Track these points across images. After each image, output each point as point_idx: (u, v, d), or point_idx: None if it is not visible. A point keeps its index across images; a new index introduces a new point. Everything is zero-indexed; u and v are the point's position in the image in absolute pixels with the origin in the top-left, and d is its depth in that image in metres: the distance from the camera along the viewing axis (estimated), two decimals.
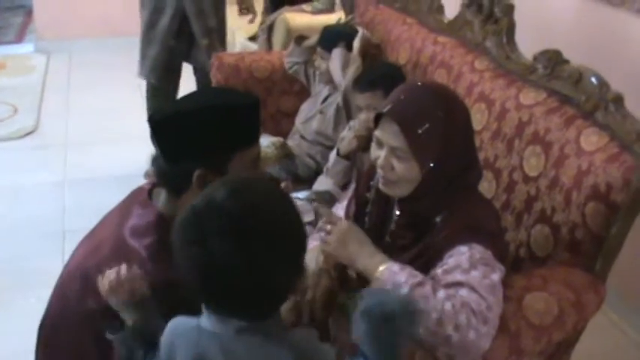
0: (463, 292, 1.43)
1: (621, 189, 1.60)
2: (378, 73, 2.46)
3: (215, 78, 3.09)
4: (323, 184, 2.54)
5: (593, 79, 1.79)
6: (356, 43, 2.73)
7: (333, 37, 2.78)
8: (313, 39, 2.91)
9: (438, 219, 1.58)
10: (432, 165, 1.53)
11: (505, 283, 1.52)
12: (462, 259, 1.48)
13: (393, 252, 1.58)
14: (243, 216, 1.12)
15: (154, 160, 1.49)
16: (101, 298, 1.35)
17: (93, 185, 3.74)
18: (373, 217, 1.77)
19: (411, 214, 1.63)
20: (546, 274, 1.64)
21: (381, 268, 1.50)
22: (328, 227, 1.60)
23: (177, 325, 1.25)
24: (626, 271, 1.95)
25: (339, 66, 2.69)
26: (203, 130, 1.40)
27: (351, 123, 2.49)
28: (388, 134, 1.56)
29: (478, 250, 1.49)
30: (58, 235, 3.28)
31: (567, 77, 1.88)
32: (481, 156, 2.08)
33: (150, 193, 1.54)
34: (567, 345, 1.68)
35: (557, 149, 1.81)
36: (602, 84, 1.77)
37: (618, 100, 1.73)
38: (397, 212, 1.67)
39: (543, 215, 1.82)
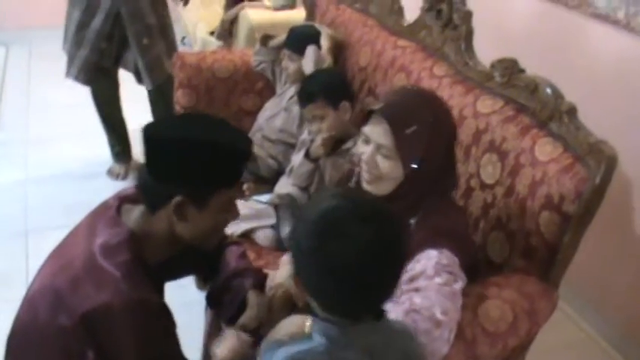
0: (417, 299, 1.48)
1: (573, 200, 1.65)
2: (315, 84, 2.49)
3: (177, 77, 3.08)
4: (284, 186, 2.57)
5: (548, 90, 1.83)
6: (324, 42, 2.76)
7: (301, 39, 2.80)
8: (279, 39, 2.92)
9: (412, 221, 1.64)
10: (414, 166, 1.58)
11: (462, 291, 1.57)
12: (429, 265, 1.52)
13: None
14: (376, 203, 1.22)
15: (140, 170, 1.49)
16: (73, 314, 1.36)
17: (56, 183, 3.73)
18: None
19: None
20: (501, 282, 1.69)
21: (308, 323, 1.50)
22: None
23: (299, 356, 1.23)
24: (582, 267, 2.01)
25: (312, 64, 2.71)
26: (195, 162, 1.41)
27: (311, 128, 2.51)
28: (377, 132, 1.62)
29: (446, 256, 1.54)
30: (21, 234, 3.26)
31: (524, 87, 1.92)
32: None
33: (118, 209, 1.55)
34: (521, 349, 1.74)
35: (513, 158, 1.85)
36: (557, 95, 1.81)
37: (572, 111, 1.77)
38: None
39: (499, 222, 1.87)
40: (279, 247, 2.36)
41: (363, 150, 1.66)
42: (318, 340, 1.21)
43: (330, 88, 2.45)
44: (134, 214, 1.51)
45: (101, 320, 1.36)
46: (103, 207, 1.57)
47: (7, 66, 5.28)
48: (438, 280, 1.50)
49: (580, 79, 2.72)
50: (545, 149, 1.78)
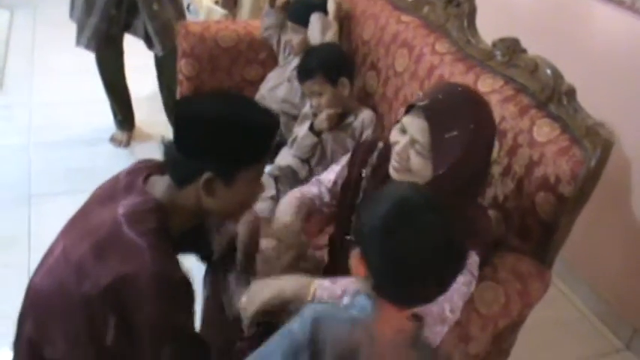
0: None
1: (569, 182, 1.68)
2: (313, 60, 2.48)
3: (181, 46, 3.09)
4: (285, 157, 2.59)
5: (548, 71, 1.85)
6: (330, 8, 2.77)
7: (305, 8, 2.80)
8: None
9: None
10: (445, 170, 1.55)
11: None
12: None
13: None
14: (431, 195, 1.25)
15: (167, 146, 1.49)
16: (98, 283, 1.38)
17: (58, 148, 3.74)
18: (367, 193, 1.82)
19: None
20: (496, 262, 1.72)
21: (312, 288, 1.53)
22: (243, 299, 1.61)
23: (325, 314, 1.28)
24: (577, 244, 2.04)
25: (319, 30, 2.71)
26: (224, 139, 1.42)
27: (312, 102, 2.52)
28: (415, 126, 1.58)
29: (472, 256, 1.55)
30: (24, 199, 3.29)
31: (524, 66, 1.93)
32: None
33: (145, 180, 1.54)
34: (513, 327, 1.77)
35: (511, 138, 1.87)
36: (557, 76, 1.83)
37: (571, 92, 1.79)
38: None
39: (495, 201, 1.90)
40: None
41: (397, 139, 1.64)
42: (352, 311, 1.26)
43: (329, 64, 2.45)
44: (160, 185, 1.52)
45: (126, 290, 1.37)
46: (124, 176, 1.57)
47: (11, 30, 5.24)
48: (460, 278, 1.49)
49: (584, 60, 2.72)
50: (543, 130, 1.80)
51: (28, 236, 3.02)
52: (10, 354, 1.62)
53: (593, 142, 1.64)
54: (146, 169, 1.57)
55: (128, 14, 3.45)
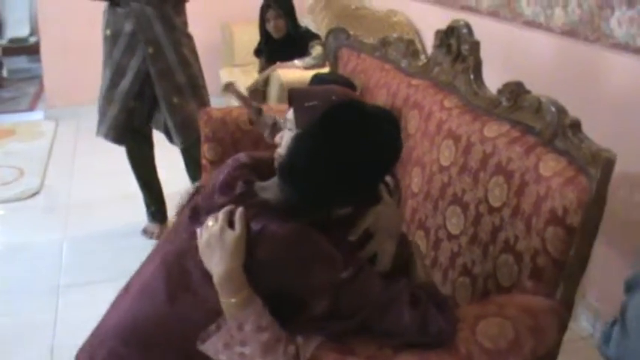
0: None
1: (576, 211, 1.60)
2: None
3: (203, 132, 3.13)
4: None
5: (552, 107, 1.80)
6: None
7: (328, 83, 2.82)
8: (271, 115, 2.82)
9: None
10: None
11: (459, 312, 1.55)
12: None
13: None
14: None
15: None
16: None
17: (91, 241, 3.78)
18: None
19: None
20: (503, 301, 1.63)
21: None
22: (210, 223, 1.49)
23: None
24: None
25: None
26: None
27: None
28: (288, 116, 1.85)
29: None
30: (53, 289, 3.30)
31: (528, 106, 1.89)
32: (450, 191, 2.09)
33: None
34: None
35: (518, 177, 1.80)
36: (561, 110, 1.78)
37: (575, 125, 1.73)
38: None
39: (507, 245, 1.81)
40: None
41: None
42: None
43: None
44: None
45: None
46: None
47: (55, 139, 5.47)
48: None
49: (603, 111, 2.66)
50: (549, 165, 1.73)
51: (54, 324, 3.01)
52: None
53: (596, 164, 1.56)
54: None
55: (151, 107, 3.54)
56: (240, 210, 1.46)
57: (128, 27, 3.43)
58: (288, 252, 1.41)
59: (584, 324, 2.90)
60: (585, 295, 2.86)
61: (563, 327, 1.61)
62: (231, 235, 1.42)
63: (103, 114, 3.56)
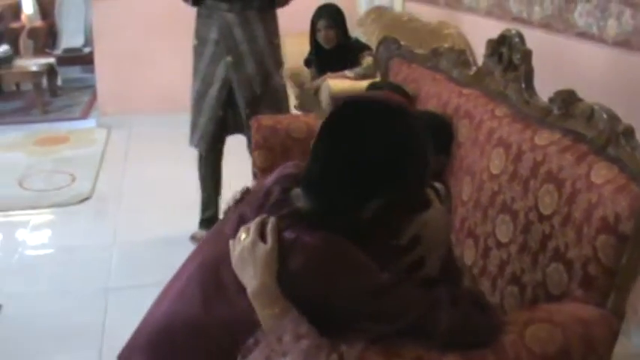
0: None
1: (628, 218, 1.57)
2: None
3: (254, 139, 3.17)
4: None
5: (604, 115, 1.78)
6: None
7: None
8: None
9: None
10: None
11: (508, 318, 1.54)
12: None
13: None
14: None
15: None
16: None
17: (140, 246, 3.85)
18: None
19: None
20: (552, 308, 1.61)
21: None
22: (242, 236, 1.49)
23: None
24: None
25: None
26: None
27: None
28: None
29: None
30: (101, 291, 3.37)
31: (580, 114, 1.87)
32: (499, 199, 2.08)
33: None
34: None
35: (569, 185, 1.79)
36: (613, 118, 1.76)
37: (628, 131, 1.71)
38: None
39: (557, 253, 1.79)
40: None
41: None
42: None
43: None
44: None
45: None
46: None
47: (107, 146, 5.59)
48: None
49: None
50: (601, 173, 1.71)
51: (102, 326, 3.06)
52: None
53: None
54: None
55: (235, 115, 3.58)
56: (271, 221, 1.46)
57: (213, 35, 3.47)
58: (317, 262, 1.41)
59: (635, 339, 2.83)
60: (638, 312, 2.79)
61: (614, 337, 1.59)
62: (263, 249, 1.42)
63: (194, 124, 3.60)
